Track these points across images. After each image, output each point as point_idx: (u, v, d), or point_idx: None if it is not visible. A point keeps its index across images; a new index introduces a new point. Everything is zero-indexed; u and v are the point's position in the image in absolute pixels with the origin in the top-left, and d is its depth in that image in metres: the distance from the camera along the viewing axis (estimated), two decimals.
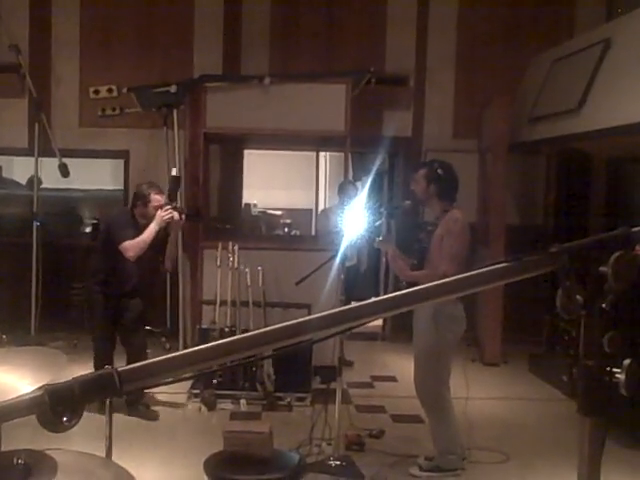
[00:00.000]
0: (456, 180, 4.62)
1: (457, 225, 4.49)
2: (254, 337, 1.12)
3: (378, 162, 8.36)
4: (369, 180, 7.97)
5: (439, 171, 4.55)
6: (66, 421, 0.96)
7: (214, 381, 5.88)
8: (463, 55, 8.59)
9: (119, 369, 1.00)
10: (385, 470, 4.68)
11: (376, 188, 8.97)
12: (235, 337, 1.12)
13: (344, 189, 7.21)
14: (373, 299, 1.20)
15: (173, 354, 1.10)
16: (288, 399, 5.93)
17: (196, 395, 5.93)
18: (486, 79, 8.34)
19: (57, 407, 0.96)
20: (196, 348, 1.10)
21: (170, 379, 1.11)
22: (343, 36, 8.52)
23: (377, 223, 4.64)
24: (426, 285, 1.20)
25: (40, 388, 0.99)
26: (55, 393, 0.96)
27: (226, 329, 6.17)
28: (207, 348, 1.10)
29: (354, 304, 1.16)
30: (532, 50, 8.08)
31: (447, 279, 1.21)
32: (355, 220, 4.58)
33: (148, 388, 0.98)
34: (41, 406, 0.96)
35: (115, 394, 1.00)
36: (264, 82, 6.76)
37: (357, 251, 7.14)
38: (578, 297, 1.19)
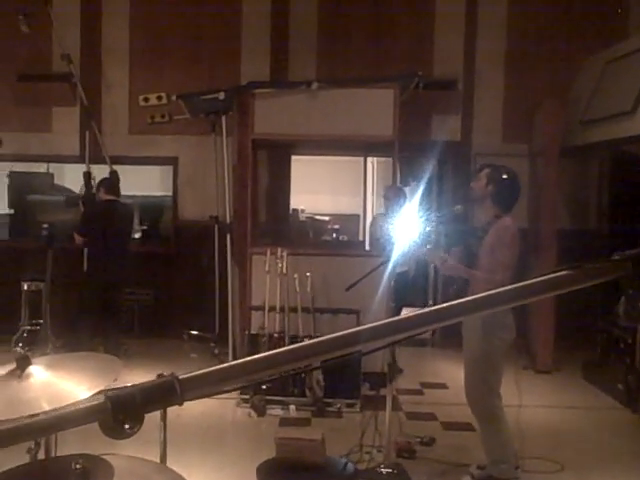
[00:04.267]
0: (517, 189, 4.54)
1: (508, 233, 4.42)
2: (308, 347, 1.11)
3: (429, 168, 8.28)
4: (420, 186, 7.90)
5: (502, 174, 4.51)
6: (128, 428, 0.96)
7: (263, 387, 5.89)
8: (513, 57, 8.47)
9: (180, 377, 1.00)
10: (436, 479, 4.63)
11: (425, 193, 8.90)
12: (290, 347, 1.11)
13: (389, 195, 7.15)
14: (429, 308, 1.17)
15: (231, 363, 1.09)
16: (337, 405, 5.91)
17: (245, 401, 5.95)
18: (536, 82, 8.21)
19: (119, 414, 0.96)
20: (253, 357, 1.10)
21: (229, 387, 1.11)
22: (391, 40, 8.48)
23: (428, 229, 4.59)
24: (485, 294, 1.17)
25: (99, 394, 0.99)
26: (117, 400, 0.96)
27: (275, 335, 6.19)
28: (263, 357, 1.09)
29: (405, 311, 1.14)
30: (584, 52, 7.94)
31: (506, 287, 1.17)
32: (407, 226, 4.54)
33: (208, 396, 0.97)
34: (103, 413, 0.96)
35: (176, 402, 0.99)
36: (312, 87, 6.76)
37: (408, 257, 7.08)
38: None
